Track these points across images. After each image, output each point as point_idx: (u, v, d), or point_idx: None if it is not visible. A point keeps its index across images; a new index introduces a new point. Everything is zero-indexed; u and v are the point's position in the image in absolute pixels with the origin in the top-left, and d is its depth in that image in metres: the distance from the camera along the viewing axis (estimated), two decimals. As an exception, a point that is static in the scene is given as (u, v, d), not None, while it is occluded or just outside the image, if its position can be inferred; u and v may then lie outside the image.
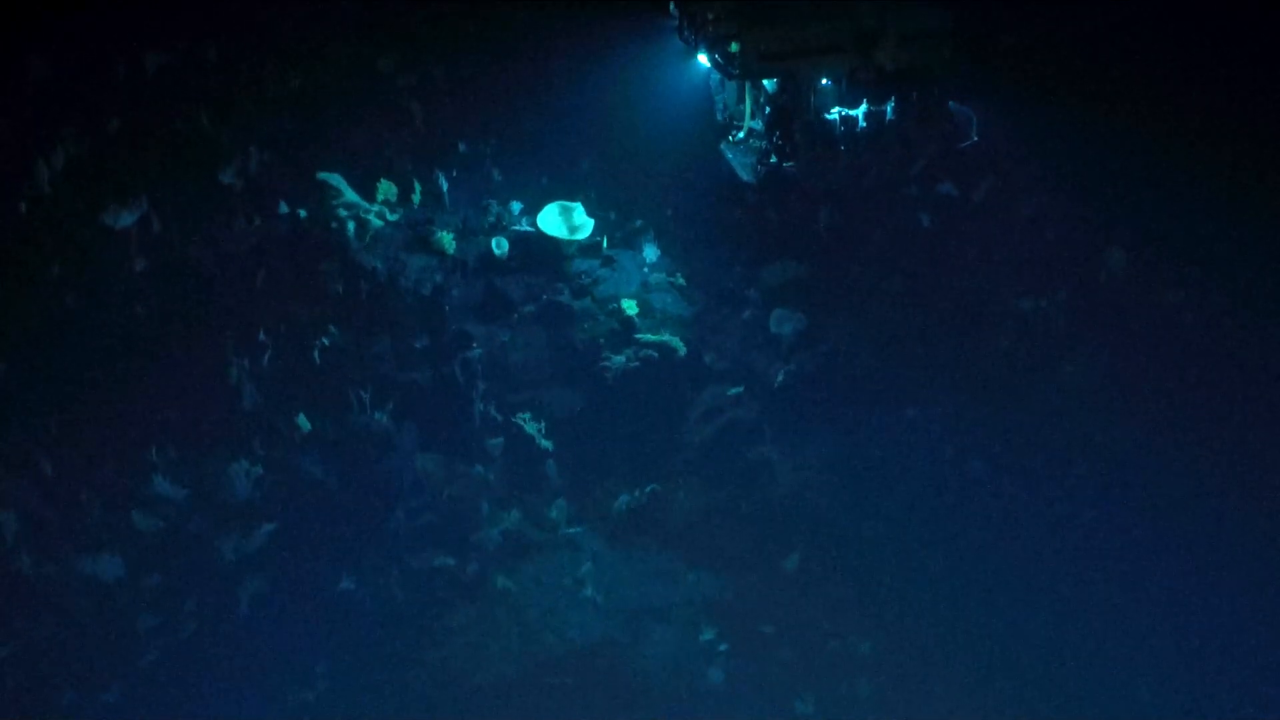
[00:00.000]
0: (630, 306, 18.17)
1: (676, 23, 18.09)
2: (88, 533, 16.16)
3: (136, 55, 18.89)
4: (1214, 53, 18.86)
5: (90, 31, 18.88)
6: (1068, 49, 19.16)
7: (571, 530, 16.99)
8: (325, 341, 17.26)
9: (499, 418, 17.42)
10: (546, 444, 17.45)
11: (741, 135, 18.67)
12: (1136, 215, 18.86)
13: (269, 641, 15.71)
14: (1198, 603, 16.36)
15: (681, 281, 18.69)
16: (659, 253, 18.89)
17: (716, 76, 18.37)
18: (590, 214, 18.90)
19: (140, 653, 15.65)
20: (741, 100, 18.57)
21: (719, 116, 18.86)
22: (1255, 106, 18.75)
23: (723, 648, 16.22)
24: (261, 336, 17.15)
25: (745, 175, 18.34)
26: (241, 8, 19.37)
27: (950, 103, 18.06)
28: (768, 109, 18.06)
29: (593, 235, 18.56)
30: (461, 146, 19.31)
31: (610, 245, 18.97)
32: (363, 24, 19.73)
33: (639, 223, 19.21)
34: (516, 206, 18.80)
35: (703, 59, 17.98)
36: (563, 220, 18.48)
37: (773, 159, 17.99)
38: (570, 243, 18.41)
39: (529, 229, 18.50)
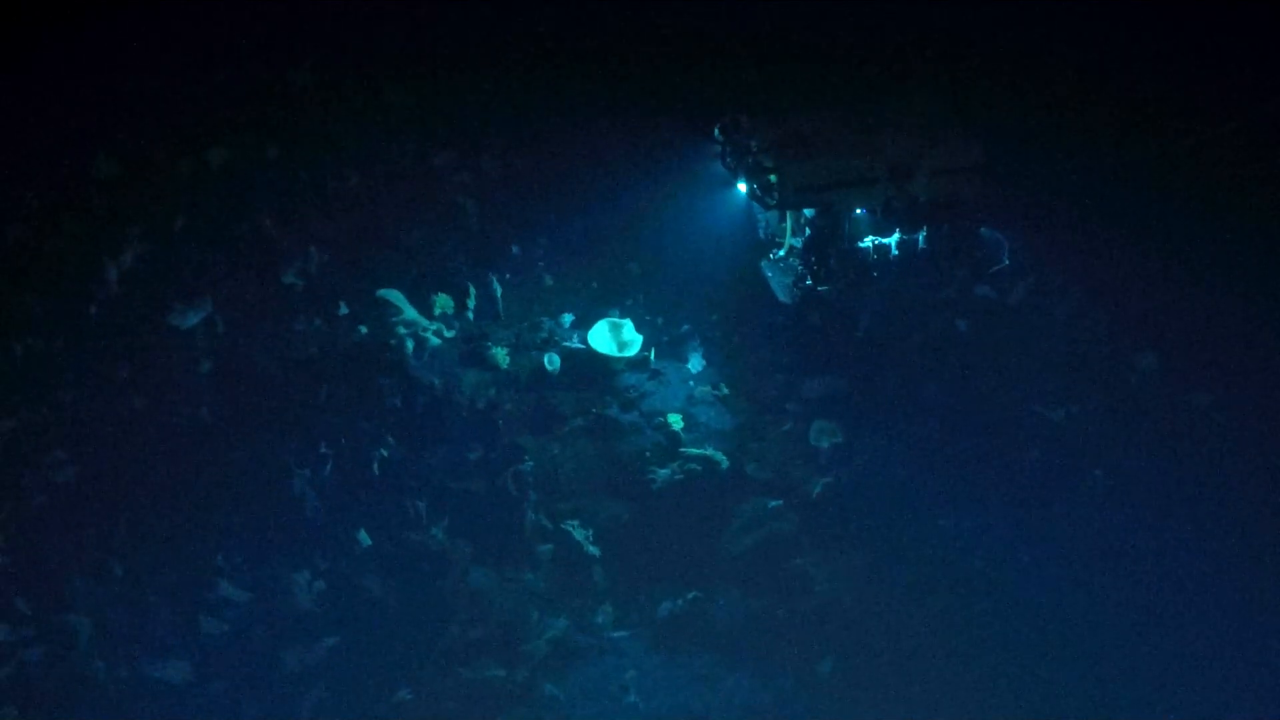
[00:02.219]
0: (676, 421, 18.86)
1: (721, 148, 18.71)
2: (157, 636, 16.78)
3: (199, 152, 19.33)
4: (1242, 159, 19.25)
5: (153, 128, 19.37)
6: (1099, 156, 19.58)
7: (616, 634, 17.56)
8: (384, 453, 17.89)
9: (549, 525, 18.09)
10: (594, 550, 18.09)
11: (782, 254, 19.29)
12: (1168, 315, 19.25)
13: (329, 749, 16.31)
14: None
15: (725, 391, 19.36)
16: (703, 362, 19.52)
17: (759, 195, 19.05)
18: (639, 318, 19.54)
19: (206, 758, 16.24)
20: (783, 219, 19.18)
21: (760, 234, 19.51)
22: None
23: (760, 751, 16.73)
24: (323, 448, 17.76)
25: (783, 296, 19.01)
26: (300, 105, 19.86)
27: (982, 229, 18.65)
28: (807, 230, 18.69)
29: (640, 349, 19.18)
30: (515, 249, 19.90)
31: (657, 350, 19.60)
32: (418, 121, 20.21)
33: (685, 328, 19.85)
34: (567, 319, 19.47)
35: (742, 187, 18.60)
36: (612, 337, 19.17)
37: (808, 282, 18.64)
38: (619, 358, 19.05)
39: (580, 345, 19.16)
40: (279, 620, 16.97)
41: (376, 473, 17.81)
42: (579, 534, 18.10)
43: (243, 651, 16.81)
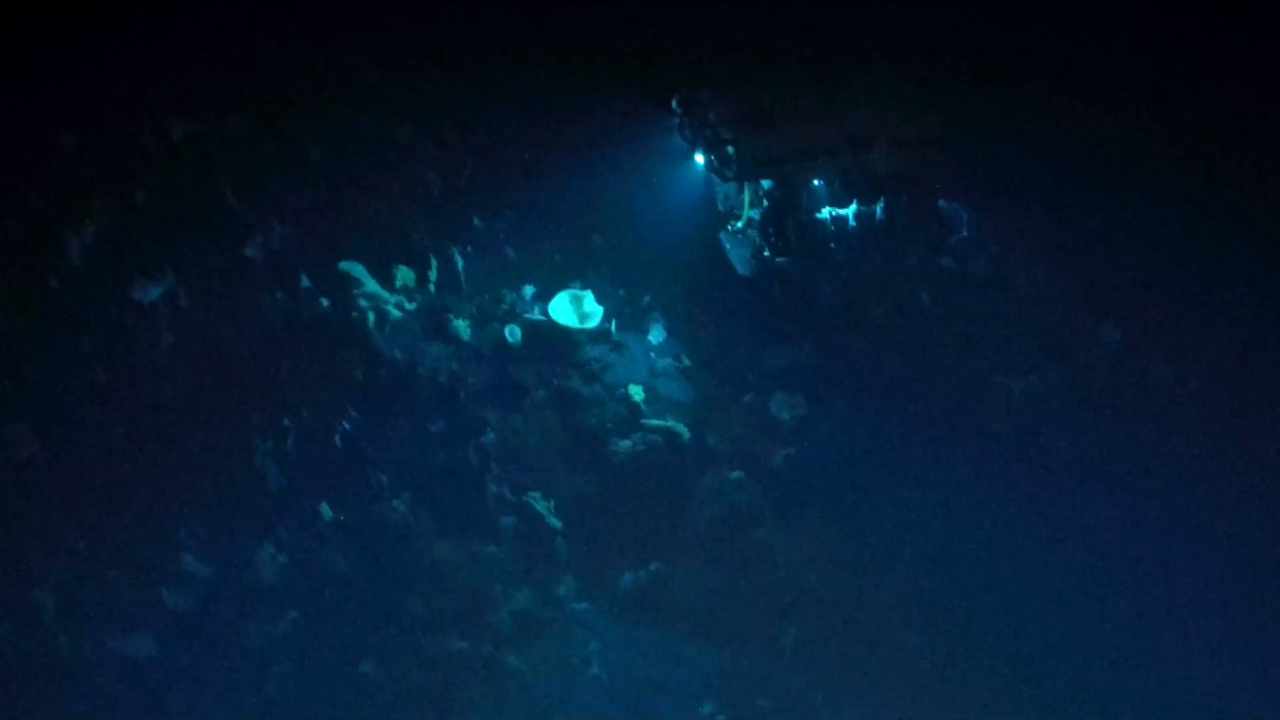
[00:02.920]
0: (637, 392, 18.90)
1: (679, 120, 18.67)
2: (121, 611, 16.80)
3: (162, 124, 19.18)
4: (1203, 133, 19.28)
5: (117, 100, 19.21)
6: (1060, 129, 19.59)
7: (579, 607, 17.63)
8: (346, 426, 17.88)
9: (511, 498, 18.12)
10: (556, 522, 18.15)
11: (740, 225, 19.29)
12: (1130, 289, 19.30)
13: (293, 720, 16.37)
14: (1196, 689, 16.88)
15: (687, 363, 19.36)
16: (665, 334, 19.52)
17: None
18: (601, 290, 19.53)
19: (172, 729, 16.28)
20: (741, 191, 19.18)
21: (720, 205, 19.49)
22: (1244, 185, 19.15)
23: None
24: (285, 421, 17.76)
25: (741, 268, 19.01)
26: (264, 78, 19.71)
27: (940, 201, 18.67)
28: (765, 202, 18.69)
29: (602, 320, 19.18)
30: (477, 221, 19.84)
31: (619, 322, 19.59)
32: (382, 95, 20.09)
33: (647, 299, 19.83)
34: (529, 291, 19.43)
35: (699, 159, 18.57)
36: (573, 308, 19.14)
37: (766, 253, 18.66)
38: (580, 330, 19.05)
39: (541, 317, 19.14)
40: (242, 594, 16.93)
41: (339, 446, 17.69)
42: (541, 506, 18.13)
43: (206, 625, 16.76)
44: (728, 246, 19.31)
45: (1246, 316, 19.06)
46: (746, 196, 19.19)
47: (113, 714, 16.36)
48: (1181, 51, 18.87)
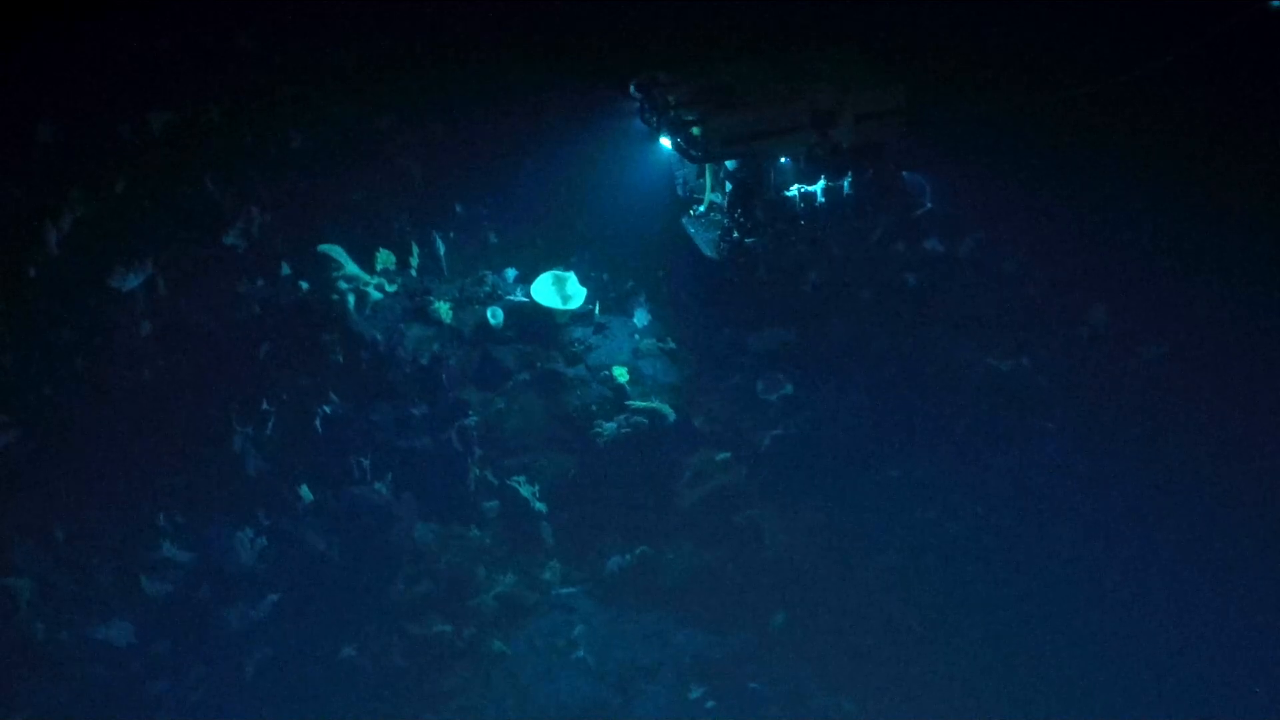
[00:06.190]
0: (621, 374, 18.77)
1: (638, 105, 18.54)
2: (99, 599, 16.61)
3: (141, 115, 19.10)
4: (1191, 107, 19.18)
5: (95, 91, 19.15)
6: (1044, 106, 19.49)
7: (565, 591, 17.42)
8: (326, 410, 17.72)
9: (494, 481, 17.98)
10: (541, 506, 17.97)
11: (702, 210, 19.15)
12: (1119, 270, 19.19)
13: (274, 706, 16.09)
14: (1186, 671, 16.61)
15: (672, 345, 19.24)
16: (649, 317, 19.39)
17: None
18: (584, 275, 19.41)
19: (150, 717, 16.01)
20: (701, 175, 19.05)
21: (679, 192, 19.36)
22: (1233, 161, 19.04)
23: (710, 705, 16.54)
24: (265, 405, 17.59)
25: (708, 251, 18.87)
26: (243, 68, 19.67)
27: (904, 173, 18.58)
28: (728, 184, 18.54)
29: (585, 303, 19.04)
30: (458, 208, 19.77)
31: (603, 307, 19.47)
32: (362, 84, 20.04)
33: (630, 284, 19.73)
34: (511, 274, 19.35)
35: (665, 142, 18.43)
36: (556, 290, 19.05)
37: (734, 235, 18.52)
38: (563, 312, 18.92)
39: (523, 299, 19.01)
40: (221, 579, 16.73)
41: (319, 430, 17.49)
42: (525, 490, 17.94)
43: (185, 611, 16.59)
44: (691, 231, 19.17)
45: (1239, 297, 18.77)
46: (707, 181, 19.06)
47: (91, 701, 15.98)
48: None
